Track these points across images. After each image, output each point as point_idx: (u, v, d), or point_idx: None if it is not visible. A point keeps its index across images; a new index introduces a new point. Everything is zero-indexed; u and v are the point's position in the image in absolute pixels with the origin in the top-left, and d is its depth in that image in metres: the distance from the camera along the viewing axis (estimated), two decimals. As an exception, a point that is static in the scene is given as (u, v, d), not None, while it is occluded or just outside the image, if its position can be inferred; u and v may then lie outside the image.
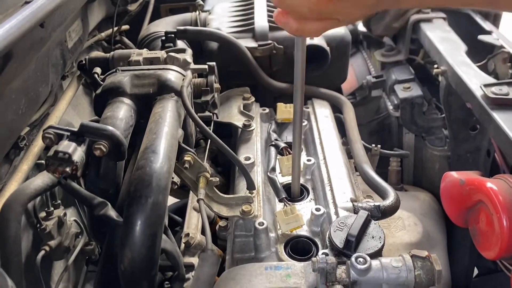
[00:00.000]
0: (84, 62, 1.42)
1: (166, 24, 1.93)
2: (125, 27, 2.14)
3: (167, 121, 1.09)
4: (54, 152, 0.90)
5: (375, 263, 0.95)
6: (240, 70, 1.73)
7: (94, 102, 1.22)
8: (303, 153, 1.52)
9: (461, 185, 1.30)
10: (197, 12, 2.03)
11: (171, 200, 1.82)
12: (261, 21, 1.80)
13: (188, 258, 1.31)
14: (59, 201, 1.28)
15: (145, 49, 1.42)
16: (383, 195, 1.29)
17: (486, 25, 1.85)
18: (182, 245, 1.33)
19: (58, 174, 0.90)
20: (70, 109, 1.56)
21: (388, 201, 1.22)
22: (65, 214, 1.29)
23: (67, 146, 0.91)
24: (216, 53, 1.75)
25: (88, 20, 1.74)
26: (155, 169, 0.94)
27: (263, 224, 1.15)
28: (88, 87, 1.76)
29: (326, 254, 1.02)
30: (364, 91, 2.25)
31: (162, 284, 1.15)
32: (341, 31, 1.79)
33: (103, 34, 1.95)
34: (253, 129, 1.54)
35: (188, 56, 1.38)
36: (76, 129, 0.95)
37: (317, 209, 1.20)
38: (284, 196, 1.25)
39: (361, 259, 0.95)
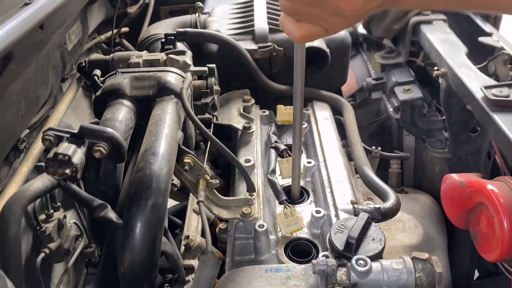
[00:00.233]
0: (84, 64, 1.42)
1: (165, 26, 1.93)
2: (125, 29, 2.14)
3: (167, 123, 1.09)
4: (54, 154, 0.90)
5: (375, 265, 0.95)
6: (240, 72, 1.73)
7: (94, 104, 1.22)
8: (303, 155, 1.52)
9: (461, 187, 1.30)
10: (197, 14, 2.03)
11: (171, 202, 1.81)
12: (261, 23, 1.80)
13: (188, 260, 1.30)
14: (59, 204, 1.28)
15: (145, 51, 1.42)
16: (383, 197, 1.29)
17: (486, 27, 1.85)
18: (182, 247, 1.32)
19: (58, 176, 0.89)
20: (70, 111, 1.56)
21: (389, 204, 1.22)
22: (65, 217, 1.29)
23: (66, 148, 0.91)
24: (216, 55, 1.75)
25: (87, 22, 1.74)
26: (155, 171, 0.94)
27: (263, 226, 1.14)
28: (88, 89, 1.76)
29: (327, 256, 1.02)
30: (364, 93, 2.25)
31: (162, 286, 1.15)
32: (341, 33, 1.79)
33: (102, 37, 1.95)
34: (253, 131, 1.53)
35: (188, 58, 1.38)
36: (76, 131, 0.95)
37: (318, 211, 1.20)
38: (284, 198, 1.25)
39: (361, 262, 0.95)
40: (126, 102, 1.16)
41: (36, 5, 1.13)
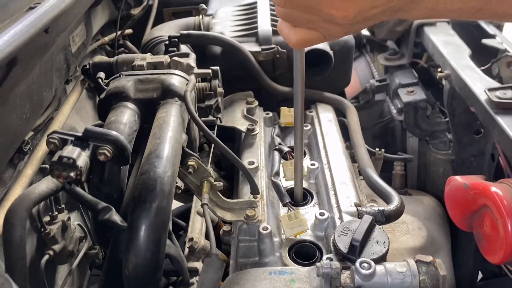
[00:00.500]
0: (87, 66, 1.43)
1: (169, 29, 1.94)
2: (129, 31, 2.14)
3: (171, 125, 1.09)
4: (59, 157, 0.90)
5: (379, 268, 0.95)
6: (243, 74, 1.73)
7: (98, 107, 1.22)
8: (307, 157, 1.52)
9: (465, 189, 1.30)
10: (201, 16, 2.03)
11: (175, 205, 1.82)
12: (264, 25, 1.80)
13: (192, 262, 1.30)
14: (63, 206, 1.28)
15: (148, 53, 1.42)
16: (387, 199, 1.28)
17: (490, 29, 1.85)
18: (186, 250, 1.33)
19: (63, 179, 0.90)
20: (74, 113, 1.56)
21: (393, 206, 1.22)
22: (69, 219, 1.29)
23: (71, 151, 0.91)
24: (219, 57, 1.75)
25: (91, 25, 1.75)
26: (159, 174, 0.94)
27: (267, 228, 1.14)
28: (92, 91, 1.76)
29: (331, 259, 1.01)
30: (368, 95, 2.25)
31: (166, 288, 1.15)
32: (344, 35, 1.79)
33: (106, 39, 1.95)
34: (257, 133, 1.53)
35: (191, 60, 1.38)
36: (80, 134, 0.95)
37: (321, 214, 1.20)
38: (288, 201, 1.25)
39: (365, 264, 0.95)
40: (130, 105, 1.16)
41: (41, 9, 1.13)
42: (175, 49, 1.66)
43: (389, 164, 1.94)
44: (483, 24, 1.90)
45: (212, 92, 1.39)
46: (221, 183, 1.19)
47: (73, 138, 0.95)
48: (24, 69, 1.14)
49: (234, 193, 1.49)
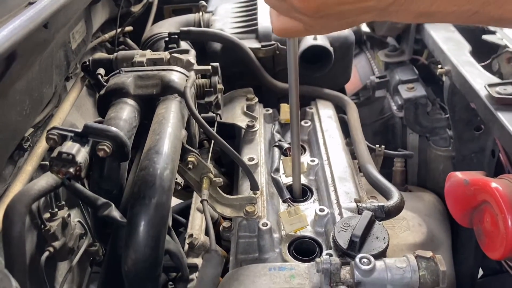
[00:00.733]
0: (87, 63, 1.43)
1: (169, 25, 1.94)
2: (129, 28, 2.14)
3: (170, 122, 1.09)
4: (58, 153, 0.90)
5: (379, 263, 0.95)
6: (243, 71, 1.73)
7: (97, 103, 1.22)
8: (307, 154, 1.52)
9: (465, 185, 1.30)
10: (200, 13, 2.03)
11: (175, 201, 1.82)
12: (264, 21, 1.80)
13: (192, 259, 1.31)
14: (63, 202, 1.28)
15: (148, 50, 1.42)
16: (387, 195, 1.28)
17: (490, 25, 1.85)
18: (186, 246, 1.33)
19: (62, 175, 0.90)
20: (74, 110, 1.56)
21: (392, 202, 1.22)
22: (69, 215, 1.29)
23: (71, 147, 0.91)
24: (219, 54, 1.75)
25: (91, 22, 1.75)
26: (159, 170, 0.94)
27: (266, 224, 1.14)
28: (92, 88, 1.76)
29: (330, 255, 1.01)
30: (368, 92, 2.25)
31: (166, 285, 1.15)
32: (344, 31, 1.79)
33: (106, 36, 1.95)
34: (257, 129, 1.53)
35: (191, 57, 1.38)
36: (80, 130, 0.95)
37: (321, 210, 1.20)
38: (287, 197, 1.25)
39: (365, 260, 0.95)
40: (130, 101, 1.16)
41: (40, 4, 1.13)
42: (175, 45, 1.66)
43: (389, 160, 1.94)
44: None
45: (212, 89, 1.39)
46: (221, 179, 1.19)
47: (72, 134, 0.94)
48: (23, 64, 1.14)
49: (234, 189, 1.49)
